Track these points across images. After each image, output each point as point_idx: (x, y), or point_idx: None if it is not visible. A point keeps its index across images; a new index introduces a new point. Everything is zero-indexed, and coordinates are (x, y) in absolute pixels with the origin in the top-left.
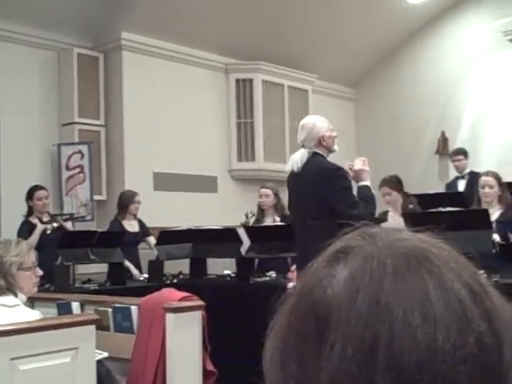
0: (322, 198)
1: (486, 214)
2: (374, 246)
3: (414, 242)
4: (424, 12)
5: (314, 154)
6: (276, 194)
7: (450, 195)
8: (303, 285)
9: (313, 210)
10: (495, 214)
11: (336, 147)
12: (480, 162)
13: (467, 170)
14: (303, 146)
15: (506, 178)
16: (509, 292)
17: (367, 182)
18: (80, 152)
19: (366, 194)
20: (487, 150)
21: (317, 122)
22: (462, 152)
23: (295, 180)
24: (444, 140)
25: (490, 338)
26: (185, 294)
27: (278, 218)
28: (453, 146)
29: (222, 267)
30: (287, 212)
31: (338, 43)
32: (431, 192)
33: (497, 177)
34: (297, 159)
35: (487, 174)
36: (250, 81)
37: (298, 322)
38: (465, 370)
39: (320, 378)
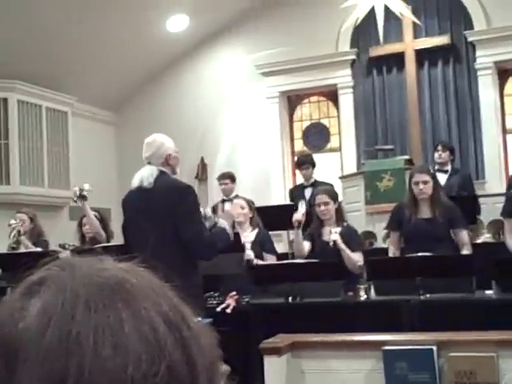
0: (173, 216)
1: (237, 237)
2: (71, 276)
3: (113, 271)
4: (184, 40)
5: (162, 172)
6: (32, 219)
7: None
8: None
9: (161, 228)
10: (250, 235)
11: (178, 170)
12: (237, 188)
13: None
14: (149, 163)
15: (259, 203)
16: (262, 311)
17: (227, 226)
18: None
19: (219, 232)
20: (243, 176)
21: (165, 141)
22: (229, 176)
23: (143, 196)
24: (203, 166)
25: (183, 365)
26: None
27: (31, 245)
28: (212, 171)
29: None
30: (44, 237)
31: (98, 66)
32: None
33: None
34: (147, 174)
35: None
36: (5, 100)
37: None
38: None
39: None
